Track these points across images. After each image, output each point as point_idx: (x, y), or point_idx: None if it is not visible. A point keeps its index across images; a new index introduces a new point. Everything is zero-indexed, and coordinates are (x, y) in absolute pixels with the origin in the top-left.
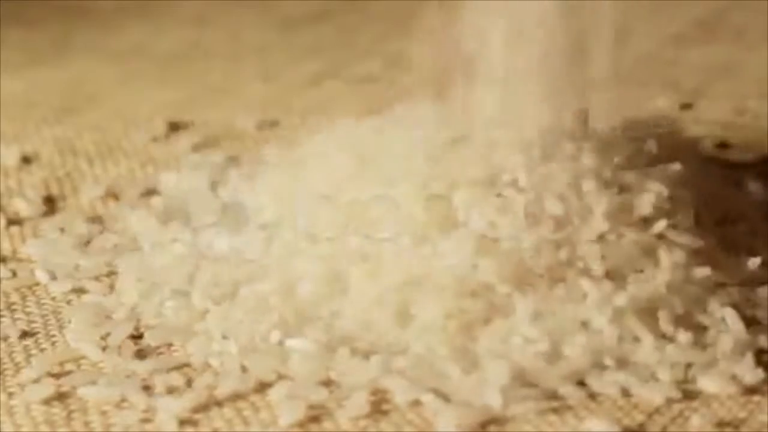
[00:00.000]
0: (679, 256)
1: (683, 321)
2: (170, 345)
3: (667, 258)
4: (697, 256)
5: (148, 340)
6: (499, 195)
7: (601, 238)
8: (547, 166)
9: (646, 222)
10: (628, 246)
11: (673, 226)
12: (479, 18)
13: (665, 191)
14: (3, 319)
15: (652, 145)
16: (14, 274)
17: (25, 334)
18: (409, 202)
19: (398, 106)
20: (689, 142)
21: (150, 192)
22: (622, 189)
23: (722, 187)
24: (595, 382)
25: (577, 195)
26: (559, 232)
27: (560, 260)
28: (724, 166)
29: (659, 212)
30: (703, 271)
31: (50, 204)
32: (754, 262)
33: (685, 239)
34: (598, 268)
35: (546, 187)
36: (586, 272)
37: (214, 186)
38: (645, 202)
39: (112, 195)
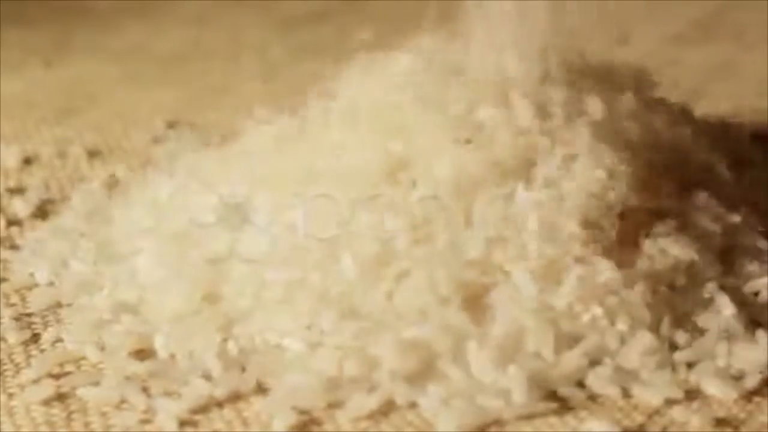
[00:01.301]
0: (680, 256)
1: (683, 322)
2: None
3: (668, 259)
4: (698, 257)
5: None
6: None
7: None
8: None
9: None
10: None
11: (675, 226)
12: None
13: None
14: (3, 320)
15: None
16: (13, 274)
17: (24, 336)
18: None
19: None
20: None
21: (148, 192)
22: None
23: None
24: (595, 383)
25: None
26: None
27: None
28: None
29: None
30: (704, 272)
31: (49, 204)
32: (757, 263)
33: (686, 240)
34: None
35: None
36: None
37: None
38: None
39: (112, 195)
